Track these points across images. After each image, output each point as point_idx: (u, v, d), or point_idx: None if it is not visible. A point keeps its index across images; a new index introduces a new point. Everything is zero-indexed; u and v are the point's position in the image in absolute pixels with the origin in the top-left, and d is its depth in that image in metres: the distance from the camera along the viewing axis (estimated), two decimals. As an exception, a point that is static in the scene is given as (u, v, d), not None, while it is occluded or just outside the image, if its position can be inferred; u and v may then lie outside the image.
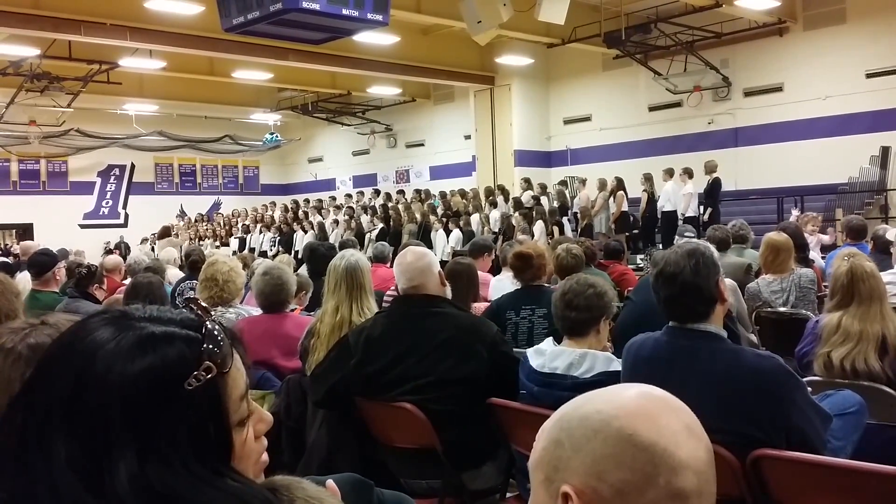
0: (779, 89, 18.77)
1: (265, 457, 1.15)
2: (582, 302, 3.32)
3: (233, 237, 25.52)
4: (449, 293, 3.84)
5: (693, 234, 8.53)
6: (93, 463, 0.94)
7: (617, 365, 3.11)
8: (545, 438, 1.10)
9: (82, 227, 28.78)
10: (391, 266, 4.45)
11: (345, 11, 10.06)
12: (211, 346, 1.03)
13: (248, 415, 1.10)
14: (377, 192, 24.42)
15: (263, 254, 20.46)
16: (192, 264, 7.51)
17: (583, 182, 18.72)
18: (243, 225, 25.83)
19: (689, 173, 15.99)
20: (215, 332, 1.05)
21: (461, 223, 18.61)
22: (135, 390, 0.97)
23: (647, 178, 16.97)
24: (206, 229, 27.23)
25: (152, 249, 23.97)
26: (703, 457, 1.04)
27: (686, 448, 1.02)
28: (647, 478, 1.00)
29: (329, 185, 29.86)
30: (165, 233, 21.00)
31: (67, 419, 0.96)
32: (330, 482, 1.27)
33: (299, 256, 16.85)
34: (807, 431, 2.63)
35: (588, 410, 1.08)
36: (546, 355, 3.30)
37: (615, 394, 1.10)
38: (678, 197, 15.99)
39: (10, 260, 10.88)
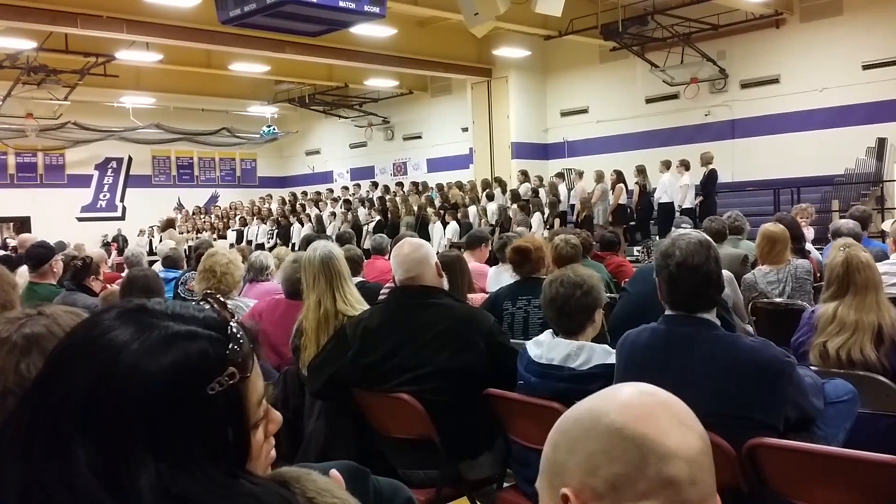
0: (775, 81, 18.78)
1: (273, 453, 1.15)
2: (573, 306, 3.28)
3: (230, 230, 25.50)
4: (446, 284, 3.85)
5: (690, 226, 8.53)
6: (112, 465, 0.92)
7: (615, 357, 3.11)
8: (547, 445, 1.11)
9: (80, 220, 28.76)
10: (389, 258, 4.44)
11: (341, 3, 10.02)
12: (234, 348, 1.01)
13: (263, 417, 1.09)
14: (374, 185, 24.43)
15: (260, 246, 20.45)
16: (198, 257, 7.54)
17: (580, 174, 18.74)
18: (241, 217, 25.82)
19: (686, 165, 16.01)
20: (238, 335, 1.03)
21: (458, 215, 18.62)
22: (158, 391, 0.94)
23: (640, 171, 17.06)
24: (204, 222, 27.22)
25: (150, 242, 23.98)
26: (695, 445, 1.05)
27: (675, 437, 1.04)
28: (637, 469, 1.02)
29: (326, 177, 29.83)
30: (168, 225, 20.93)
31: (86, 419, 0.93)
32: (334, 472, 1.27)
33: (296, 249, 16.85)
34: (802, 404, 2.68)
35: (580, 411, 1.10)
36: (544, 346, 3.30)
37: (607, 393, 1.12)
38: (675, 188, 16.02)
39: (11, 254, 10.85)
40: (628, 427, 1.03)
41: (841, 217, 8.23)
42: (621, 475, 1.02)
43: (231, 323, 1.05)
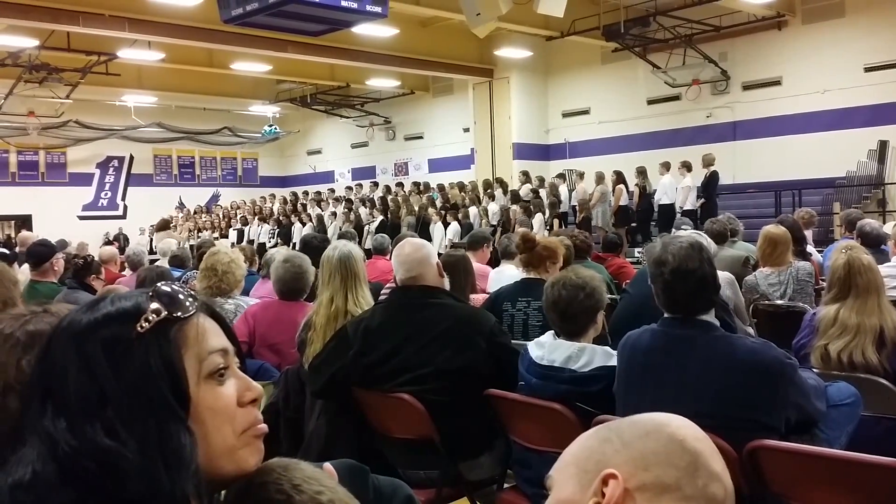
0: (777, 83, 18.78)
1: (262, 427, 1.16)
2: (576, 309, 3.26)
3: (231, 229, 25.51)
4: (447, 284, 3.85)
5: (690, 227, 8.53)
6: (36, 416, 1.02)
7: (616, 360, 3.09)
8: (588, 438, 1.16)
9: (81, 218, 28.72)
10: (391, 258, 4.45)
11: (344, 3, 10.02)
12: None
13: (221, 370, 1.11)
14: (375, 185, 24.43)
15: (262, 246, 20.47)
16: (200, 256, 7.55)
17: (580, 175, 18.75)
18: (242, 217, 25.83)
19: (687, 167, 16.04)
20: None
21: (459, 216, 18.62)
22: (86, 340, 1.03)
23: (640, 172, 17.13)
24: (205, 221, 27.23)
25: (150, 241, 23.98)
26: (730, 484, 1.13)
27: (720, 464, 1.12)
28: (689, 477, 1.08)
29: (328, 177, 29.84)
30: (164, 225, 20.92)
31: (47, 385, 1.03)
32: (327, 465, 1.29)
33: (298, 249, 16.84)
34: (804, 405, 2.70)
35: (639, 417, 1.17)
36: (545, 347, 3.29)
37: (665, 414, 1.18)
38: (675, 190, 16.02)
39: (9, 251, 10.86)
40: (689, 441, 1.10)
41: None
42: (672, 476, 1.08)
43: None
